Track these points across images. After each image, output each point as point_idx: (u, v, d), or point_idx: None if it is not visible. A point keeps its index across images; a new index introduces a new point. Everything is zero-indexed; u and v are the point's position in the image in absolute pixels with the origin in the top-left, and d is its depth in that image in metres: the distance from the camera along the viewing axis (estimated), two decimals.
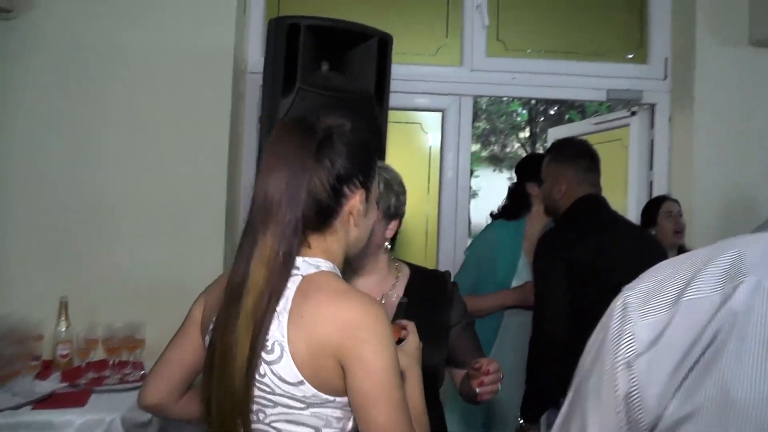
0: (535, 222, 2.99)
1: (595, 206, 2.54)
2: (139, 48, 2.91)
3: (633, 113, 3.65)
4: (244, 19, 3.17)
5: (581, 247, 2.41)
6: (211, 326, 1.33)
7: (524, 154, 11.07)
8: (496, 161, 16.07)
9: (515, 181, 3.14)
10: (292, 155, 1.27)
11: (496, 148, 14.91)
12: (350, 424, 1.29)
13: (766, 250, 0.70)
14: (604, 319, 0.79)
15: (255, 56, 3.22)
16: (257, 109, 3.17)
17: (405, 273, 1.94)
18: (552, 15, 3.53)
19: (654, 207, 3.31)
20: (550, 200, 2.66)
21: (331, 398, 1.25)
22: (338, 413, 1.27)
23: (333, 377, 1.23)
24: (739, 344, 0.65)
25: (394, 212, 1.83)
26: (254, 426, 1.28)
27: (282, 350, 1.22)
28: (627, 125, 3.70)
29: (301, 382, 1.22)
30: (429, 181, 3.49)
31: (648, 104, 3.57)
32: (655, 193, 3.51)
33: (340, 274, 1.35)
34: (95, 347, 2.61)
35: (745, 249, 0.71)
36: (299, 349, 1.22)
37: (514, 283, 2.89)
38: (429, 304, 1.89)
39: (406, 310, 1.68)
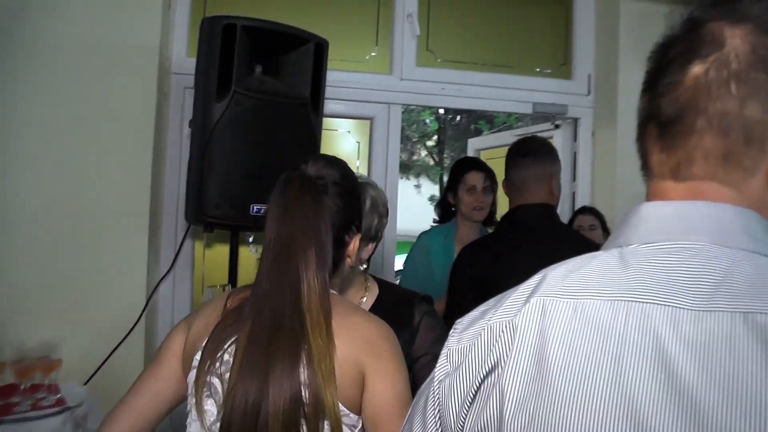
0: (462, 224, 3.16)
1: (538, 216, 2.44)
2: (54, 41, 2.68)
3: (557, 126, 3.74)
4: (168, 16, 3.00)
5: (495, 265, 2.29)
6: (198, 362, 1.30)
7: (431, 162, 11.21)
8: (404, 168, 16.12)
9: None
10: (307, 219, 1.31)
11: (404, 155, 15.05)
12: None
13: (564, 272, 0.73)
14: None
15: (180, 55, 3.06)
16: (181, 111, 3.03)
17: (374, 292, 1.85)
18: (481, 29, 3.57)
19: (571, 220, 3.41)
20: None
21: (347, 412, 1.27)
22: (345, 431, 1.29)
23: (354, 390, 1.27)
24: (517, 359, 0.68)
25: (375, 234, 1.78)
26: None
27: None
28: (551, 138, 3.78)
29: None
30: None
31: (572, 118, 3.66)
32: (578, 204, 3.62)
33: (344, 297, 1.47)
34: (2, 370, 2.35)
35: (549, 272, 0.75)
36: None
37: None
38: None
39: None
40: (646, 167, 0.81)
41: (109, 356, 2.67)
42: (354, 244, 1.42)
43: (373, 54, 3.42)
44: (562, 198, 3.70)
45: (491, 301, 0.79)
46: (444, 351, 0.79)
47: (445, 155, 11.27)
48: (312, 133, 2.72)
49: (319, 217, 1.31)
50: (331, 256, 1.33)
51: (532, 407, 0.66)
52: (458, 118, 10.65)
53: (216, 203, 2.46)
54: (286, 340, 1.24)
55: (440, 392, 0.77)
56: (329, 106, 3.08)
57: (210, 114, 2.44)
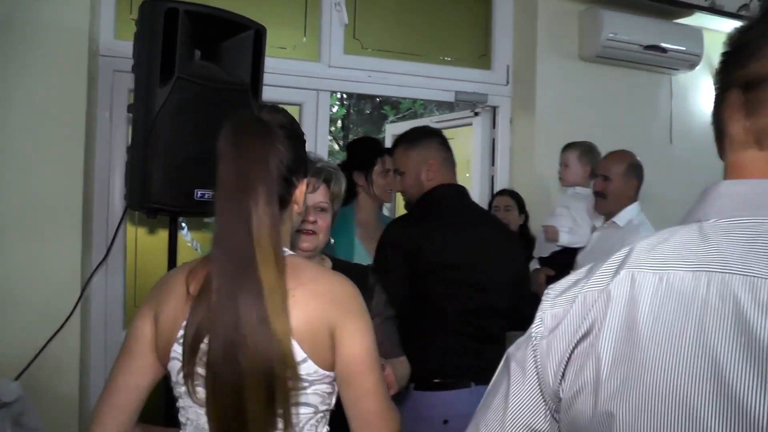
0: (364, 207, 3.13)
1: (454, 196, 2.61)
2: None
3: (476, 114, 3.92)
4: None
5: (426, 240, 2.44)
6: (180, 356, 1.30)
7: (336, 147, 11.24)
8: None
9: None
10: (255, 156, 1.31)
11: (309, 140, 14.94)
12: (334, 399, 1.38)
13: (649, 246, 0.79)
14: None
15: (107, 37, 2.97)
16: (110, 95, 2.95)
17: (327, 265, 1.96)
18: (406, 19, 3.70)
19: (490, 201, 3.63)
20: (416, 188, 2.63)
21: (327, 373, 1.33)
22: (329, 389, 1.35)
23: (327, 350, 1.31)
24: (610, 326, 0.76)
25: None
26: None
27: None
28: (470, 124, 3.97)
29: (304, 360, 1.29)
30: None
31: (491, 106, 3.85)
32: (497, 187, 3.85)
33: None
34: None
35: (636, 245, 0.81)
36: (299, 328, 1.28)
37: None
38: None
39: None
40: (724, 138, 0.85)
41: (42, 350, 2.59)
42: (301, 188, 1.43)
43: (301, 42, 3.46)
44: (481, 180, 3.92)
45: (582, 271, 0.85)
46: (539, 314, 0.86)
47: (349, 140, 11.38)
48: None
49: (267, 154, 1.31)
50: (279, 194, 1.34)
51: (625, 369, 0.73)
52: (363, 103, 10.75)
53: (160, 189, 2.44)
54: (244, 276, 1.26)
55: (539, 352, 0.83)
56: None
57: (153, 99, 2.40)
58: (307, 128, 3.41)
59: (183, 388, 1.33)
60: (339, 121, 11.49)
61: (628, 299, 0.75)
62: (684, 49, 3.95)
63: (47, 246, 2.65)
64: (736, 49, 0.83)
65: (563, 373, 0.80)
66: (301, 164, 1.42)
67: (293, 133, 1.41)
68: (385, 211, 3.80)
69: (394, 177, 2.99)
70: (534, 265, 3.38)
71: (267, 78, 3.15)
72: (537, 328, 0.86)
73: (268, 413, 1.26)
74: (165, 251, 2.65)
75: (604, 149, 3.73)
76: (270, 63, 3.20)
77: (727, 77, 0.83)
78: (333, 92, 3.75)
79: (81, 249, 2.71)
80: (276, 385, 1.24)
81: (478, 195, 3.88)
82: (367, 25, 3.58)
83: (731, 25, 3.52)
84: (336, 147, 11.22)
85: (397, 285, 2.36)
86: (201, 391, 1.29)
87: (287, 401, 1.27)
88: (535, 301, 0.91)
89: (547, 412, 0.84)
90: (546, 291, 0.88)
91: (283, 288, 1.28)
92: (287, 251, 1.38)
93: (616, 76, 3.95)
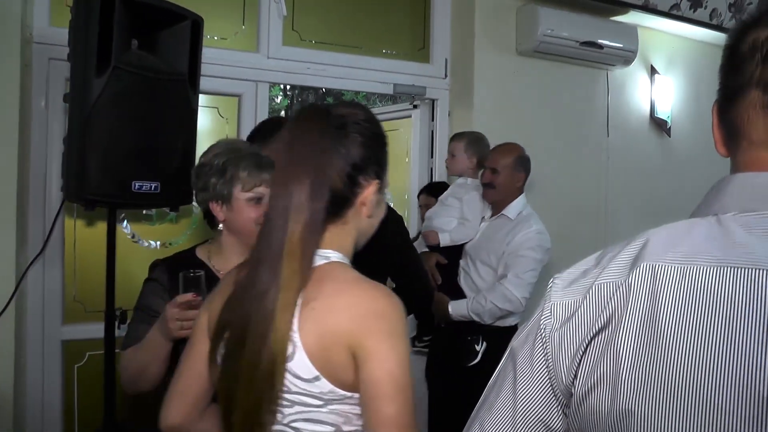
0: None
1: None
2: None
3: (415, 106, 3.97)
4: None
5: None
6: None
7: None
8: None
9: None
10: (310, 148, 1.27)
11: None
12: None
13: (667, 238, 0.79)
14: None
15: (42, 24, 2.90)
16: (45, 83, 2.89)
17: None
18: (344, 12, 3.71)
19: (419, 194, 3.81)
20: None
21: (349, 394, 1.22)
22: (358, 410, 1.24)
23: (347, 371, 1.20)
24: (630, 320, 0.74)
25: None
26: (273, 428, 1.26)
27: (294, 346, 1.21)
28: (409, 117, 4.02)
29: (316, 378, 1.21)
30: None
31: (430, 99, 3.91)
32: (435, 178, 3.93)
33: (350, 265, 1.34)
34: None
35: (652, 237, 0.80)
36: (311, 343, 1.21)
37: None
38: None
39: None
40: (738, 137, 0.84)
41: None
42: (370, 189, 1.33)
43: (239, 32, 3.44)
44: (420, 172, 3.99)
45: (590, 260, 0.85)
46: (547, 304, 0.84)
47: None
48: (190, 110, 2.73)
49: (322, 147, 1.26)
50: (339, 192, 1.29)
51: (647, 365, 0.71)
52: (306, 94, 10.72)
53: (98, 180, 2.41)
54: (268, 269, 1.24)
55: (550, 344, 0.82)
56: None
57: (89, 89, 2.37)
58: (246, 119, 3.43)
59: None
60: (282, 112, 11.47)
61: (650, 293, 0.74)
62: (619, 45, 4.08)
63: None
64: (752, 50, 0.80)
65: (576, 368, 0.79)
66: (372, 164, 1.33)
67: (369, 131, 1.34)
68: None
69: None
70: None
71: (205, 68, 3.14)
72: (546, 319, 0.84)
73: (259, 403, 1.23)
74: (105, 244, 2.63)
75: (542, 142, 3.85)
76: (208, 53, 3.19)
77: (744, 78, 0.81)
78: (272, 83, 3.73)
79: (15, 242, 2.66)
80: (265, 378, 1.21)
81: (417, 186, 3.96)
82: (306, 17, 3.58)
83: (664, 23, 3.68)
84: None
85: None
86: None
87: (273, 396, 1.23)
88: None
89: (559, 408, 0.82)
90: (552, 280, 0.87)
91: (297, 287, 1.22)
92: (333, 256, 1.31)
93: (553, 70, 4.05)
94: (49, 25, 2.91)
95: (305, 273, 1.24)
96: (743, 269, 0.70)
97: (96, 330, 2.73)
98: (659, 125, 4.61)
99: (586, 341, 0.78)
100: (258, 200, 1.89)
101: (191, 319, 1.62)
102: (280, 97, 11.03)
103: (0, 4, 2.62)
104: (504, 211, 3.17)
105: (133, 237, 3.18)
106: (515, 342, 0.89)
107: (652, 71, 4.57)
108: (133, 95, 2.48)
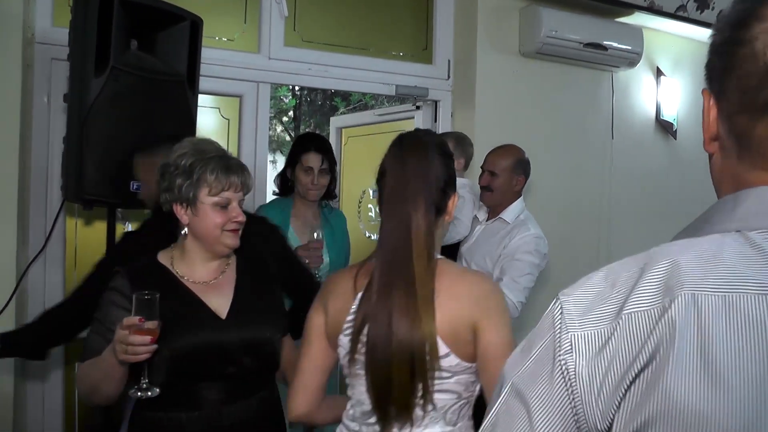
0: (301, 201, 3.10)
1: None
2: None
3: (418, 107, 3.97)
4: None
5: None
6: (349, 327, 1.56)
7: (287, 138, 11.18)
8: None
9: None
10: (421, 169, 1.55)
11: None
12: (478, 387, 1.57)
13: (699, 259, 0.71)
14: (542, 323, 0.78)
15: (44, 25, 2.92)
16: (47, 83, 2.92)
17: (233, 258, 2.00)
18: (347, 12, 3.72)
19: None
20: None
21: (470, 365, 1.52)
22: (473, 378, 1.54)
23: (469, 345, 1.50)
24: (680, 357, 0.66)
25: None
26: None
27: None
28: (412, 118, 4.02)
29: (447, 354, 1.49)
30: None
31: (432, 100, 3.91)
32: None
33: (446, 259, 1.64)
34: None
35: (678, 257, 0.71)
36: (443, 326, 1.49)
37: None
38: (259, 282, 2.00)
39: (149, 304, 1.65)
40: (759, 156, 0.76)
41: None
42: (453, 199, 1.63)
43: (241, 33, 3.46)
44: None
45: (597, 281, 0.76)
46: (564, 335, 0.74)
47: (301, 131, 11.39)
48: (189, 111, 2.74)
49: (429, 168, 1.56)
50: (435, 203, 1.57)
51: (705, 404, 0.65)
52: (315, 94, 10.73)
53: (96, 180, 2.43)
54: (400, 272, 1.51)
55: (577, 383, 0.72)
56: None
57: (88, 89, 2.39)
58: (247, 120, 3.44)
59: (348, 368, 1.59)
60: (291, 112, 11.47)
61: (697, 326, 0.66)
62: (624, 47, 4.06)
63: None
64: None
65: (616, 408, 0.70)
66: (453, 178, 1.63)
67: (445, 151, 1.64)
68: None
69: (320, 175, 3.01)
70: None
71: (206, 69, 3.16)
72: (566, 354, 0.73)
73: (410, 389, 1.49)
74: (105, 243, 2.65)
75: (545, 144, 3.84)
76: (209, 54, 3.21)
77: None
78: (273, 84, 3.74)
79: (16, 240, 2.69)
80: (417, 368, 1.47)
81: None
82: (308, 18, 3.59)
83: (670, 24, 3.65)
84: (288, 138, 11.20)
85: None
86: (361, 370, 1.55)
87: (426, 381, 1.48)
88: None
89: None
90: (560, 304, 0.77)
91: (432, 283, 1.51)
92: (438, 255, 1.59)
93: (556, 72, 4.04)
94: (52, 26, 2.93)
95: (434, 270, 1.52)
96: None
97: None
98: (665, 128, 4.58)
99: (629, 380, 0.69)
100: (224, 206, 1.84)
101: (137, 344, 1.61)
102: (288, 98, 11.04)
103: (1, 4, 2.64)
104: (501, 215, 3.12)
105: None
106: (515, 377, 0.78)
107: (658, 73, 4.54)
108: (132, 96, 2.50)
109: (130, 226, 3.17)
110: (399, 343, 1.47)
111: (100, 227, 2.84)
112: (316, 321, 1.66)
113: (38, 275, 2.93)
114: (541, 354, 0.76)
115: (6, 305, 2.62)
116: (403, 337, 1.47)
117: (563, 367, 0.73)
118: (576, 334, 0.73)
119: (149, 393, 1.71)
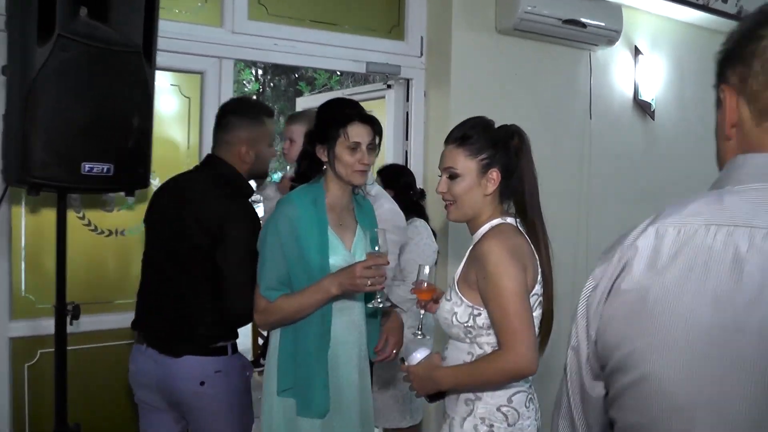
0: (337, 187, 2.42)
1: None
2: None
3: (389, 86, 3.78)
4: None
5: None
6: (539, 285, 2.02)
7: None
8: None
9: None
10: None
11: None
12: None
13: (675, 207, 0.96)
14: None
15: None
16: None
17: None
18: None
19: None
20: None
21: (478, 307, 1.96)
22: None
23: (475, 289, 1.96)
24: (635, 268, 0.94)
25: None
26: None
27: None
28: (383, 97, 3.83)
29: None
30: (189, 148, 3.24)
31: (404, 78, 3.73)
32: (411, 162, 3.75)
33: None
34: None
35: (666, 208, 0.97)
36: None
37: (333, 263, 2.32)
38: None
39: None
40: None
41: None
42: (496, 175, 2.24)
43: (201, 5, 3.22)
44: (394, 156, 3.80)
45: (623, 233, 1.01)
46: (591, 274, 1.03)
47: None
48: (145, 85, 2.52)
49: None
50: None
51: (646, 298, 0.91)
52: (278, 79, 10.45)
53: (43, 162, 2.20)
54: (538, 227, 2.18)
55: (591, 302, 1.01)
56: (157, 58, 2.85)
57: (30, 60, 2.16)
58: (209, 98, 3.23)
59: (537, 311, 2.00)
60: (254, 97, 11.25)
61: (653, 246, 0.94)
62: (603, 24, 3.93)
63: None
64: None
65: (601, 311, 0.99)
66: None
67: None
68: None
69: (369, 153, 2.40)
70: None
71: (165, 43, 2.93)
72: (588, 286, 1.02)
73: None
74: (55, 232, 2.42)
75: (523, 124, 3.64)
76: (168, 27, 2.98)
77: None
78: (236, 60, 3.51)
79: None
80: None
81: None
82: None
83: (649, 2, 3.50)
84: None
85: None
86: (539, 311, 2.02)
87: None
88: None
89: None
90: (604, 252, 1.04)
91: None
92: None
93: (534, 50, 3.89)
94: None
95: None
96: (725, 227, 0.89)
97: (48, 326, 2.56)
98: (643, 108, 4.48)
99: (609, 289, 0.98)
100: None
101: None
102: (252, 82, 10.77)
103: None
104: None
105: (88, 224, 2.95)
106: (580, 308, 1.06)
107: (636, 52, 4.43)
108: (82, 67, 2.28)
109: (83, 215, 2.92)
110: (551, 296, 2.05)
111: (51, 215, 2.59)
112: (523, 278, 1.90)
113: None
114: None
115: None
116: (551, 291, 2.04)
117: (585, 295, 1.03)
118: (595, 270, 1.03)
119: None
